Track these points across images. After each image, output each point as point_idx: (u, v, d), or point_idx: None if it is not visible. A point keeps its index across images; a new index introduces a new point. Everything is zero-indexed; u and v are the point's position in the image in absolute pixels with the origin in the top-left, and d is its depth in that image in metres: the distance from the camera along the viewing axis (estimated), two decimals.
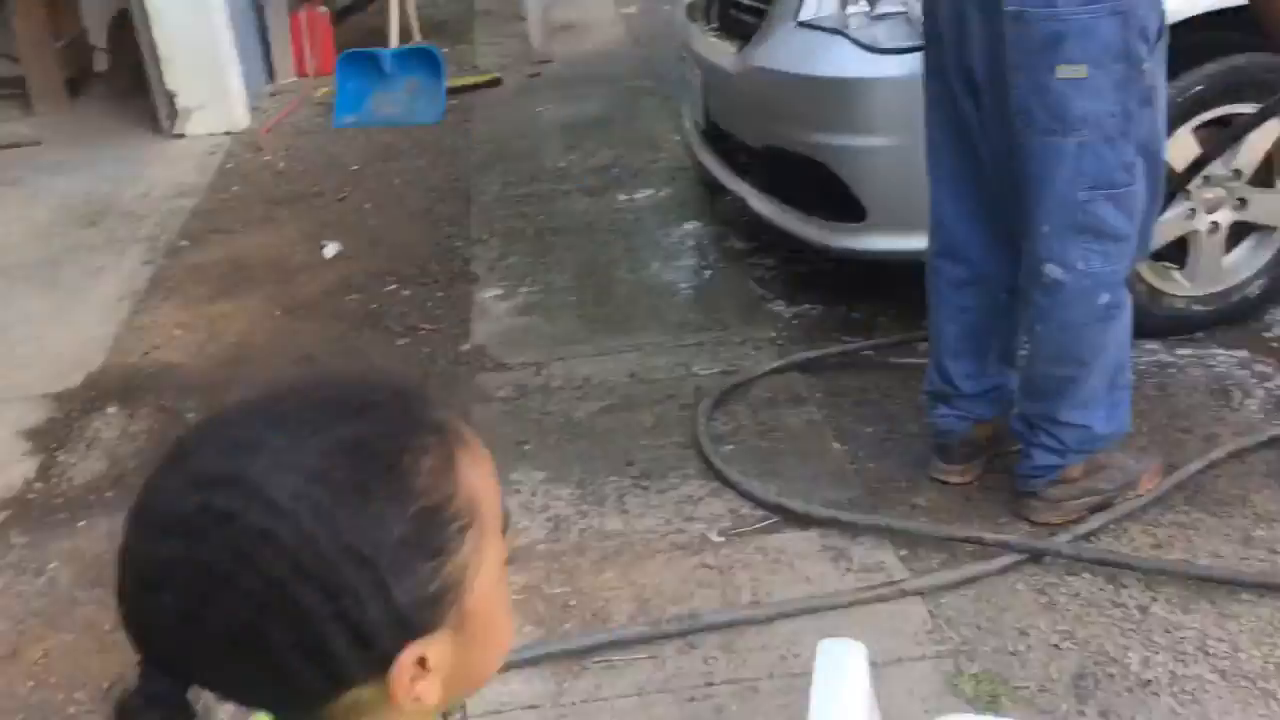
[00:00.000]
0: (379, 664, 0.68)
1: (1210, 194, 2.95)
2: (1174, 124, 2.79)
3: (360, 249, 4.03)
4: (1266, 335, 3.08)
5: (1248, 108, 2.81)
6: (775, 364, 3.10)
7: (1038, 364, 2.31)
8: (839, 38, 2.95)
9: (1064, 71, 1.99)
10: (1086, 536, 2.39)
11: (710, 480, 2.67)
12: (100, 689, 2.19)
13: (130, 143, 5.21)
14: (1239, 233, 3.05)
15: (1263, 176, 2.99)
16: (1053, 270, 2.17)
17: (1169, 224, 2.94)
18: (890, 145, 2.87)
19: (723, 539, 2.48)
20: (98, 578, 2.49)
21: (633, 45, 6.41)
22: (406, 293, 3.69)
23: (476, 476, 0.73)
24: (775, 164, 3.24)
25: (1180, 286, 3.05)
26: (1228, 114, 2.85)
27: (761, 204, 3.36)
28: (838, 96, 2.95)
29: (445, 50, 6.42)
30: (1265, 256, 3.05)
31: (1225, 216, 2.98)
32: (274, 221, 4.31)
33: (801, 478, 2.66)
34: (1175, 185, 2.65)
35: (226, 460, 0.66)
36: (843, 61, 2.92)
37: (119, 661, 2.25)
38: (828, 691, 1.13)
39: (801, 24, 3.06)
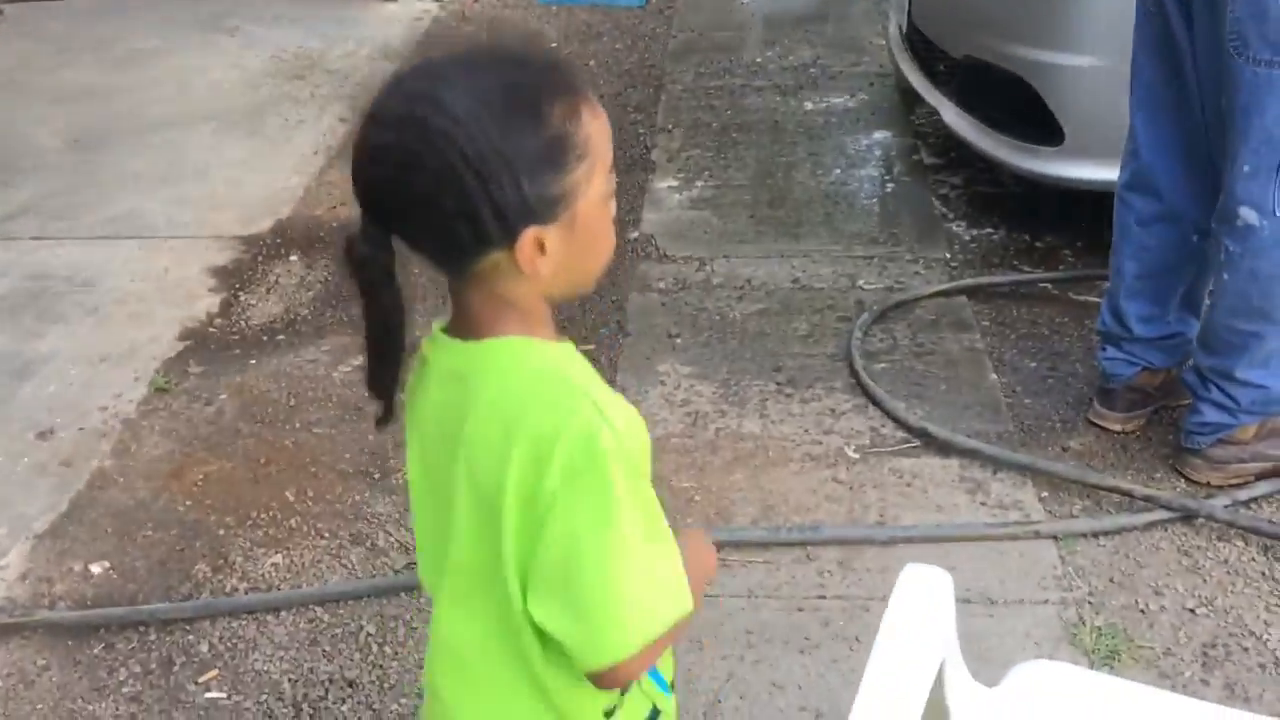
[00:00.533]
0: (509, 235, 0.94)
1: None
2: None
3: None
4: None
5: None
6: (943, 286, 2.99)
7: (1219, 314, 2.15)
8: None
9: None
10: (1247, 503, 2.25)
11: (857, 396, 2.61)
12: (249, 516, 2.34)
13: (346, 2, 5.35)
14: None
15: None
16: (1248, 214, 2.00)
17: None
18: (1098, 66, 2.69)
19: (858, 455, 2.44)
20: (262, 413, 2.64)
21: None
22: None
23: (594, 128, 0.96)
24: (974, 76, 3.09)
25: None
26: None
27: (955, 118, 3.21)
28: (1046, 6, 2.77)
29: None
30: None
31: None
32: None
33: (952, 404, 2.58)
34: None
35: (427, 84, 0.94)
36: None
37: (269, 493, 2.40)
38: (901, 615, 1.11)
39: None
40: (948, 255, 3.17)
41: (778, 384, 2.67)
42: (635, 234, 3.34)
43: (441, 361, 1.03)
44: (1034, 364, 2.71)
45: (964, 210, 3.39)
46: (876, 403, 2.57)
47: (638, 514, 0.96)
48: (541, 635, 0.98)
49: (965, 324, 2.86)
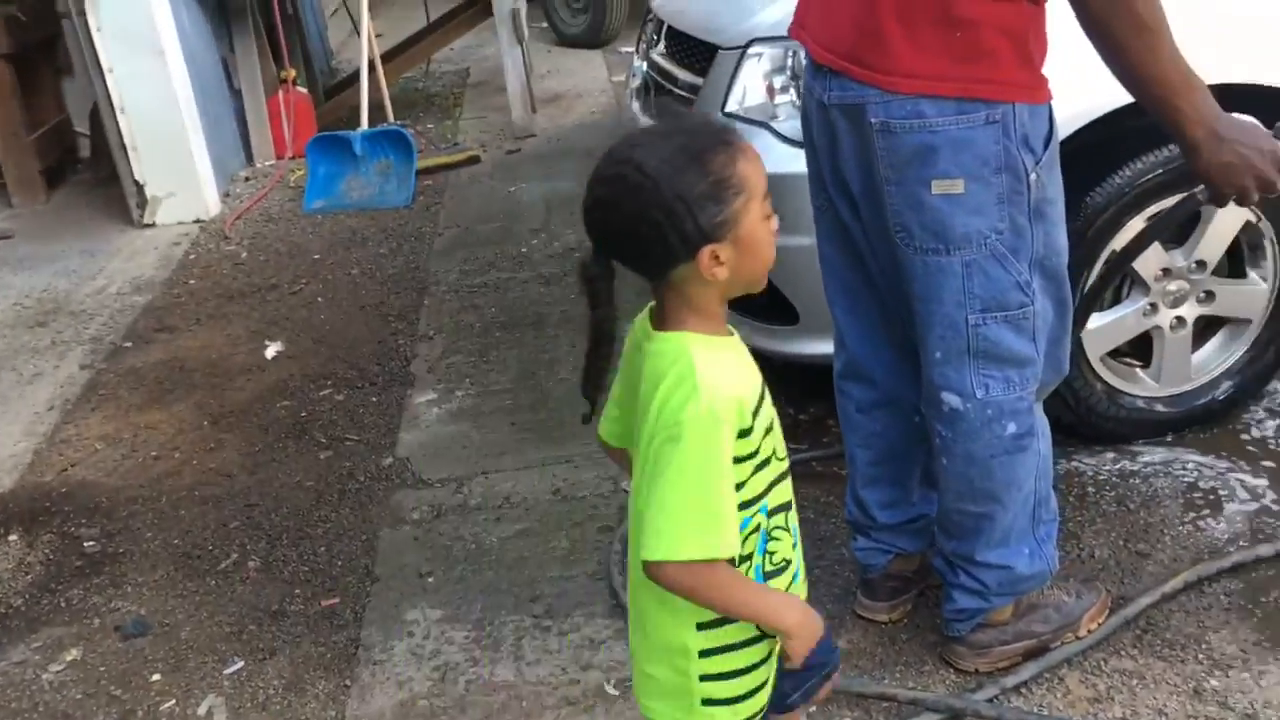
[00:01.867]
0: (691, 253, 1.30)
1: (1173, 287, 2.70)
2: (1127, 213, 2.58)
3: (303, 348, 3.88)
4: (1244, 438, 2.82)
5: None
6: None
7: (948, 500, 2.08)
8: (765, 130, 2.76)
9: (939, 186, 1.78)
10: (1017, 689, 2.14)
11: (617, 619, 2.45)
12: None
13: (100, 234, 5.14)
14: (1208, 328, 2.81)
15: (1231, 267, 2.74)
16: (951, 399, 1.95)
17: (1128, 321, 2.71)
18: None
19: (618, 692, 2.26)
20: None
21: (621, 115, 6.27)
22: (340, 397, 3.53)
23: (748, 169, 1.32)
24: None
25: (1146, 386, 2.80)
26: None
27: None
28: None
29: (429, 126, 6.37)
30: (1237, 352, 2.79)
31: (1191, 310, 2.73)
32: (223, 318, 4.19)
33: None
34: (1093, 290, 2.40)
35: (626, 151, 1.31)
36: (768, 156, 2.67)
37: None
38: None
39: (728, 115, 2.87)
40: None
41: (535, 616, 2.49)
42: (389, 459, 3.16)
43: (640, 339, 1.43)
44: None
45: None
46: None
47: (702, 470, 1.31)
48: None
49: None
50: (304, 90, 6.03)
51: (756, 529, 1.42)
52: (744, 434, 1.36)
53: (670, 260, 1.31)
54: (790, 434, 2.99)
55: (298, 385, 3.63)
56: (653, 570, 1.33)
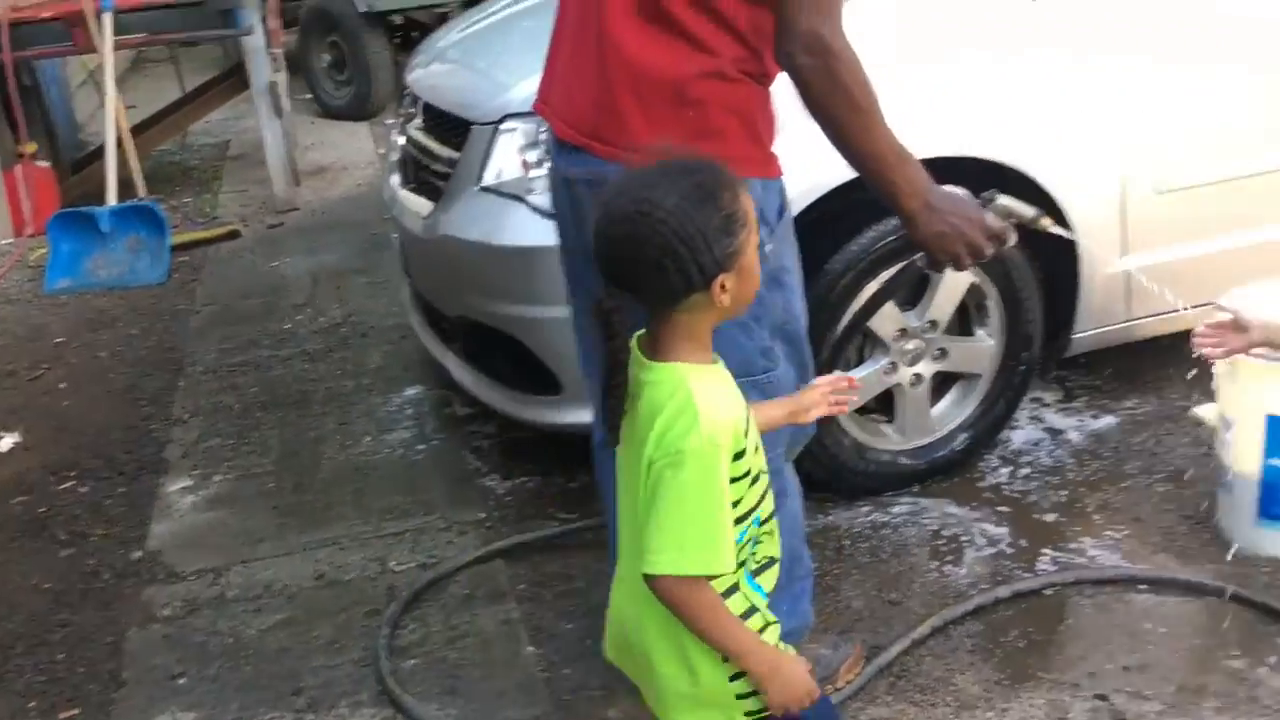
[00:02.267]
0: (708, 282, 1.43)
1: (910, 346, 2.87)
2: (863, 278, 2.73)
3: (42, 438, 3.64)
4: (980, 485, 3.00)
5: None
6: (477, 553, 2.85)
7: None
8: (520, 204, 2.79)
9: None
10: None
11: (385, 708, 2.38)
12: None
13: None
14: (945, 383, 2.99)
15: (961, 325, 2.94)
16: None
17: (871, 379, 2.86)
18: None
19: None
20: None
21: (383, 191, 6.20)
22: (85, 489, 3.32)
23: (747, 203, 1.46)
24: (473, 333, 3.04)
25: (891, 440, 2.95)
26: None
27: (463, 374, 3.15)
28: (521, 266, 2.77)
29: (186, 200, 6.14)
30: (971, 405, 2.98)
31: (927, 368, 2.91)
32: None
33: (486, 694, 2.40)
34: (830, 352, 2.54)
35: (642, 191, 1.43)
36: (524, 229, 2.75)
37: None
38: None
39: (484, 189, 2.89)
40: (483, 515, 3.05)
41: (296, 711, 2.39)
42: (139, 553, 2.99)
43: (635, 371, 1.50)
44: (571, 625, 2.59)
45: (498, 461, 3.30)
46: (405, 711, 2.34)
47: (701, 494, 1.42)
48: None
49: (500, 593, 2.72)
50: (45, 164, 5.70)
51: (749, 539, 1.56)
52: (739, 455, 1.47)
53: (687, 289, 1.43)
54: (562, 502, 3.05)
55: (36, 479, 3.39)
56: (654, 584, 1.45)
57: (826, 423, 2.81)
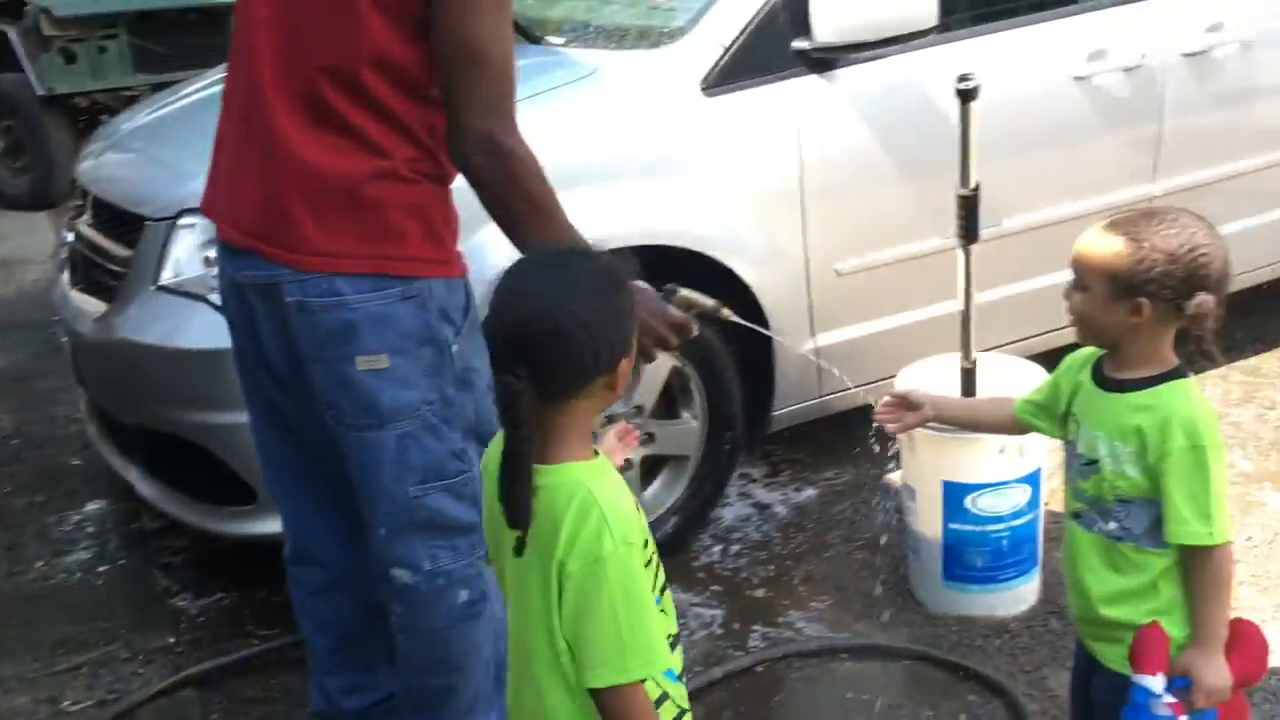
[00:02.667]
0: (611, 368, 1.43)
1: None
2: None
3: None
4: (694, 565, 3.03)
5: None
6: (164, 683, 2.62)
7: (409, 677, 2.03)
8: (202, 305, 2.63)
9: (364, 362, 1.77)
10: None
11: None
12: None
13: None
14: (655, 467, 3.02)
15: (666, 408, 2.98)
16: (401, 574, 1.91)
17: None
18: None
19: None
20: None
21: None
22: None
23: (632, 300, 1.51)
24: (153, 443, 2.82)
25: None
26: None
27: (146, 487, 2.91)
28: (204, 370, 2.60)
29: None
30: (681, 487, 3.02)
31: (635, 453, 2.92)
32: None
33: None
34: None
35: (555, 272, 1.45)
36: (207, 330, 2.58)
37: None
38: None
39: (161, 288, 2.71)
40: (173, 640, 2.81)
41: None
42: None
43: None
44: None
45: (191, 578, 3.06)
46: None
47: (629, 597, 1.38)
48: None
49: None
50: None
51: None
52: (644, 544, 1.45)
53: (597, 373, 1.42)
54: (261, 619, 2.85)
55: None
56: (601, 696, 1.42)
57: None
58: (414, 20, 1.67)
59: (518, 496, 1.41)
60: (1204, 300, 1.68)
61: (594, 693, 1.42)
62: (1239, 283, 3.66)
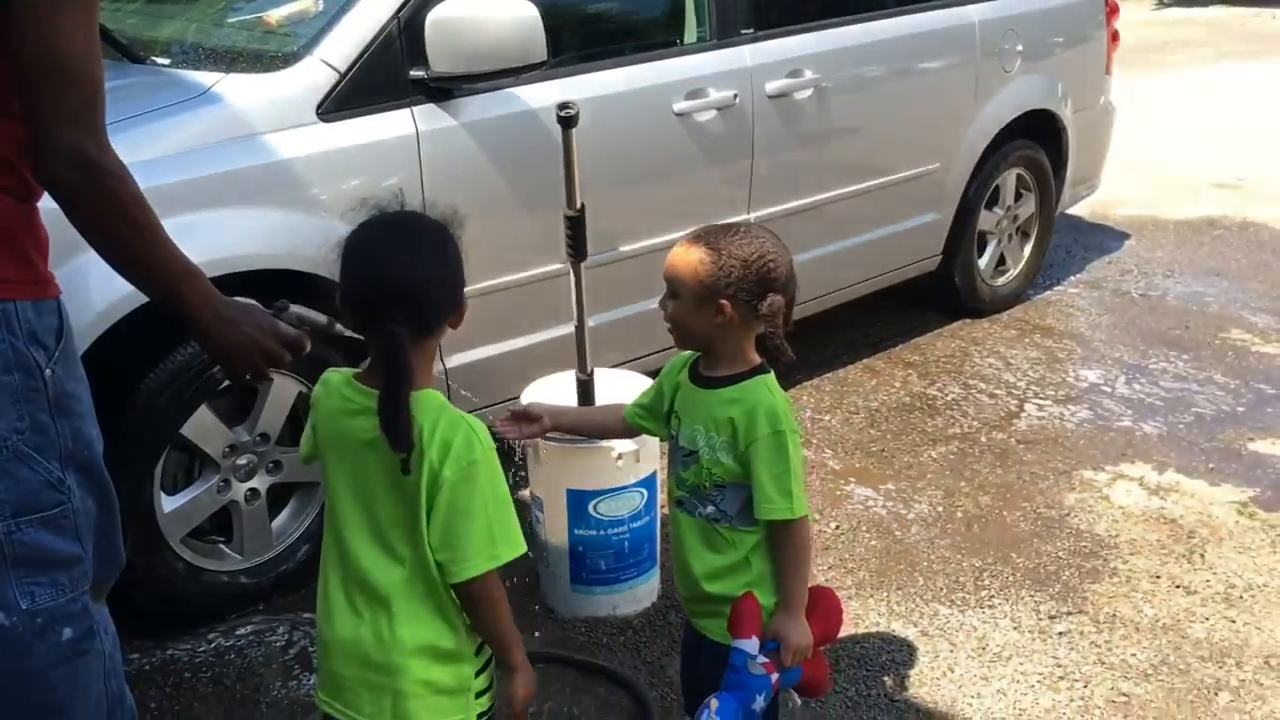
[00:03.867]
0: (458, 307, 1.71)
1: (242, 461, 2.82)
2: (192, 396, 2.64)
3: None
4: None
5: None
6: None
7: None
8: None
9: None
10: None
11: None
12: None
13: None
14: (283, 496, 2.97)
15: (294, 435, 2.94)
16: None
17: (203, 499, 2.76)
18: None
19: None
20: None
21: None
22: None
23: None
24: None
25: (232, 560, 2.87)
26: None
27: None
28: None
29: None
30: (312, 514, 2.98)
31: (263, 481, 2.87)
32: None
33: None
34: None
35: (418, 230, 1.70)
36: None
37: None
38: None
39: None
40: None
41: None
42: None
43: (358, 400, 1.70)
44: None
45: None
46: None
47: (498, 489, 1.67)
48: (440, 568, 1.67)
49: None
50: None
51: None
52: None
53: (453, 311, 1.70)
54: None
55: None
56: (470, 586, 1.65)
57: (154, 551, 2.68)
58: None
59: (403, 424, 1.60)
60: (774, 300, 1.91)
61: (461, 586, 1.65)
62: (826, 302, 4.13)
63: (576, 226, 2.68)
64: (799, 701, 2.03)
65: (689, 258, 1.93)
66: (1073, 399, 4.08)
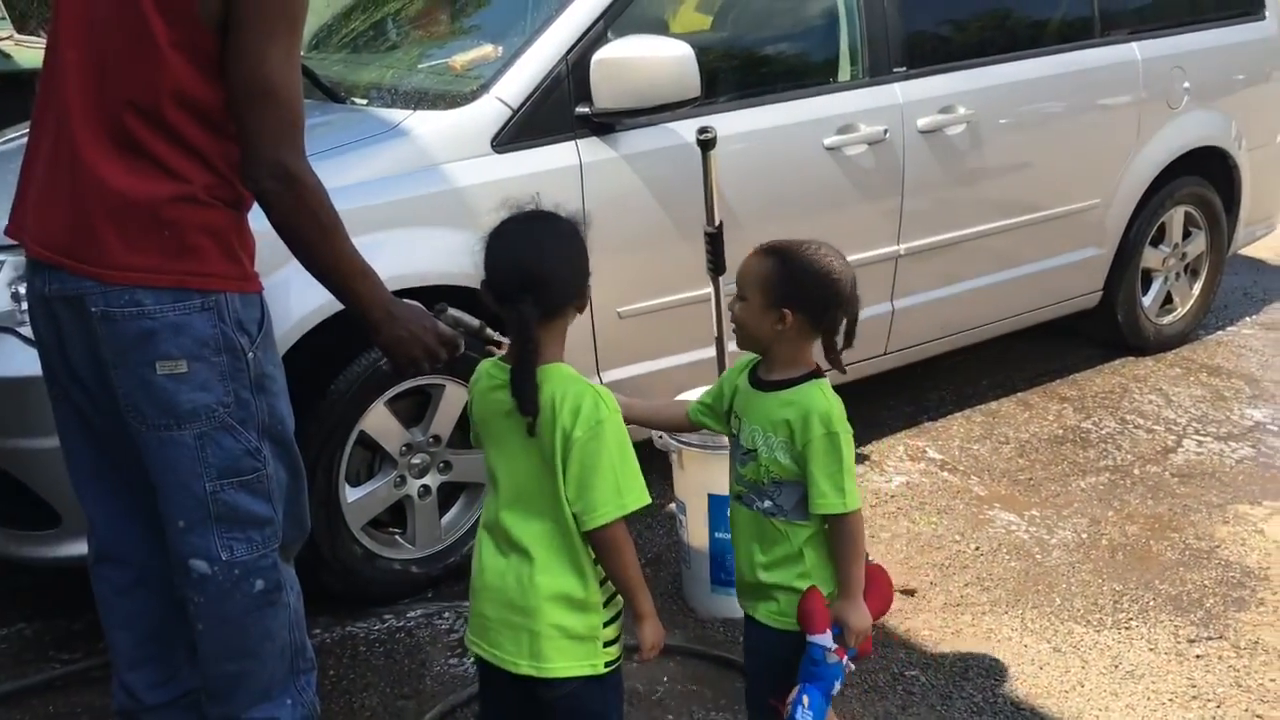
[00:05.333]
0: (583, 294, 1.96)
1: (417, 460, 3.11)
2: (369, 395, 2.95)
3: None
4: None
5: (434, 379, 3.04)
6: None
7: (207, 664, 2.19)
8: (10, 336, 2.76)
9: (163, 367, 1.96)
10: None
11: None
12: None
13: None
14: (453, 493, 3.24)
15: (463, 439, 3.22)
16: (198, 565, 2.09)
17: (380, 493, 3.06)
18: None
19: None
20: None
21: None
22: None
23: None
24: None
25: (405, 550, 3.15)
26: (419, 385, 3.05)
27: None
28: (13, 398, 2.72)
29: None
30: (478, 511, 3.24)
31: (434, 479, 3.15)
32: None
33: None
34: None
35: (547, 221, 1.98)
36: (14, 359, 2.72)
37: None
38: None
39: None
40: None
41: None
42: None
43: (500, 377, 1.94)
44: None
45: None
46: None
47: (624, 446, 1.90)
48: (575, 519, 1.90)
49: None
50: None
51: None
52: None
53: (577, 295, 1.94)
54: (63, 644, 2.93)
55: None
56: (601, 534, 1.88)
57: (337, 536, 2.98)
58: (209, 59, 1.91)
59: (529, 390, 1.85)
60: (835, 315, 2.07)
61: (593, 534, 1.88)
62: (979, 335, 4.18)
63: (715, 242, 2.88)
64: (852, 667, 2.15)
65: (760, 267, 2.11)
66: (1235, 436, 4.01)
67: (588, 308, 2.03)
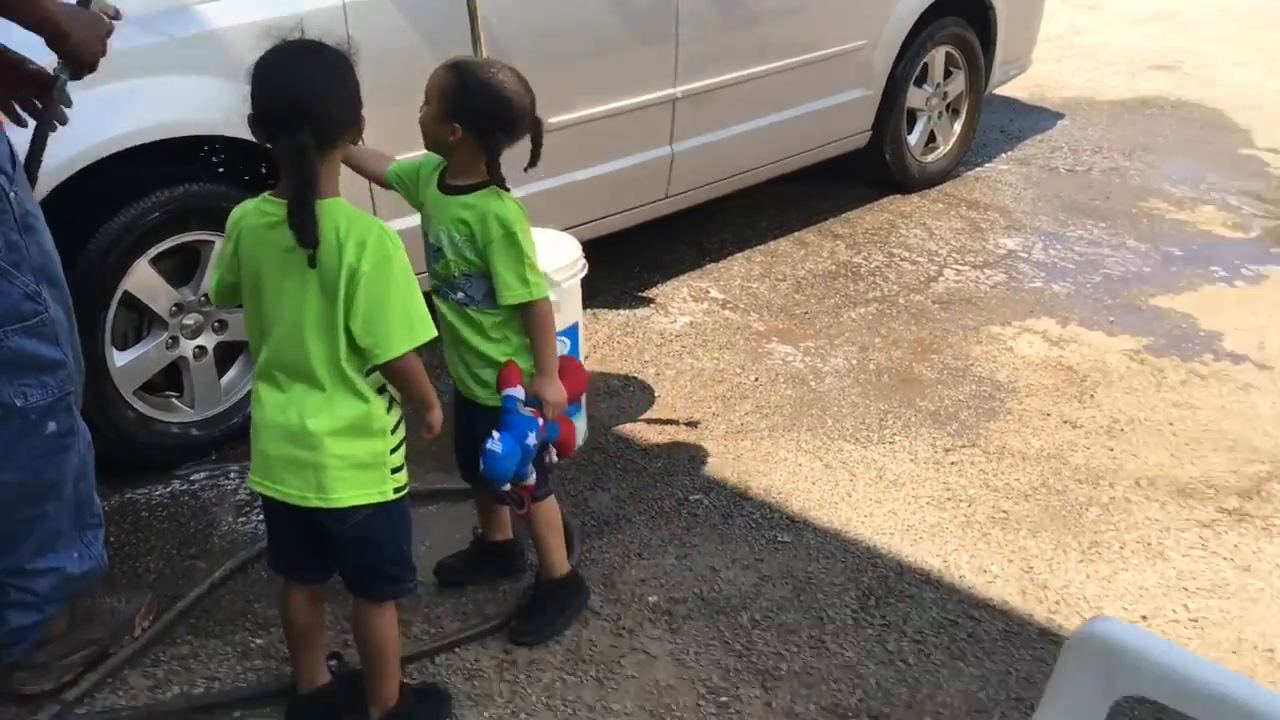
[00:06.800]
0: (357, 124, 1.92)
1: (190, 320, 3.00)
2: (131, 255, 2.82)
3: None
4: None
5: (203, 235, 2.92)
6: None
7: (2, 510, 2.11)
8: None
9: None
10: (80, 700, 2.23)
11: None
12: None
13: None
14: (231, 354, 3.16)
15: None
16: None
17: (152, 355, 2.95)
18: None
19: None
20: None
21: None
22: None
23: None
24: None
25: (183, 413, 3.06)
26: (185, 242, 2.93)
27: None
28: None
29: None
30: None
31: (209, 340, 3.05)
32: None
33: None
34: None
35: (318, 73, 1.87)
36: None
37: None
38: None
39: None
40: None
41: None
42: None
43: (275, 212, 1.87)
44: None
45: None
46: None
47: (409, 278, 1.89)
48: (358, 351, 1.90)
49: None
50: None
51: None
52: None
53: (352, 125, 1.89)
54: None
55: None
56: (395, 366, 1.89)
57: (109, 402, 2.87)
58: None
59: (309, 223, 1.80)
60: (498, 139, 2.18)
61: (386, 366, 1.89)
62: (757, 176, 4.30)
63: None
64: (555, 458, 2.35)
65: (441, 80, 2.20)
66: (990, 264, 4.29)
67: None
